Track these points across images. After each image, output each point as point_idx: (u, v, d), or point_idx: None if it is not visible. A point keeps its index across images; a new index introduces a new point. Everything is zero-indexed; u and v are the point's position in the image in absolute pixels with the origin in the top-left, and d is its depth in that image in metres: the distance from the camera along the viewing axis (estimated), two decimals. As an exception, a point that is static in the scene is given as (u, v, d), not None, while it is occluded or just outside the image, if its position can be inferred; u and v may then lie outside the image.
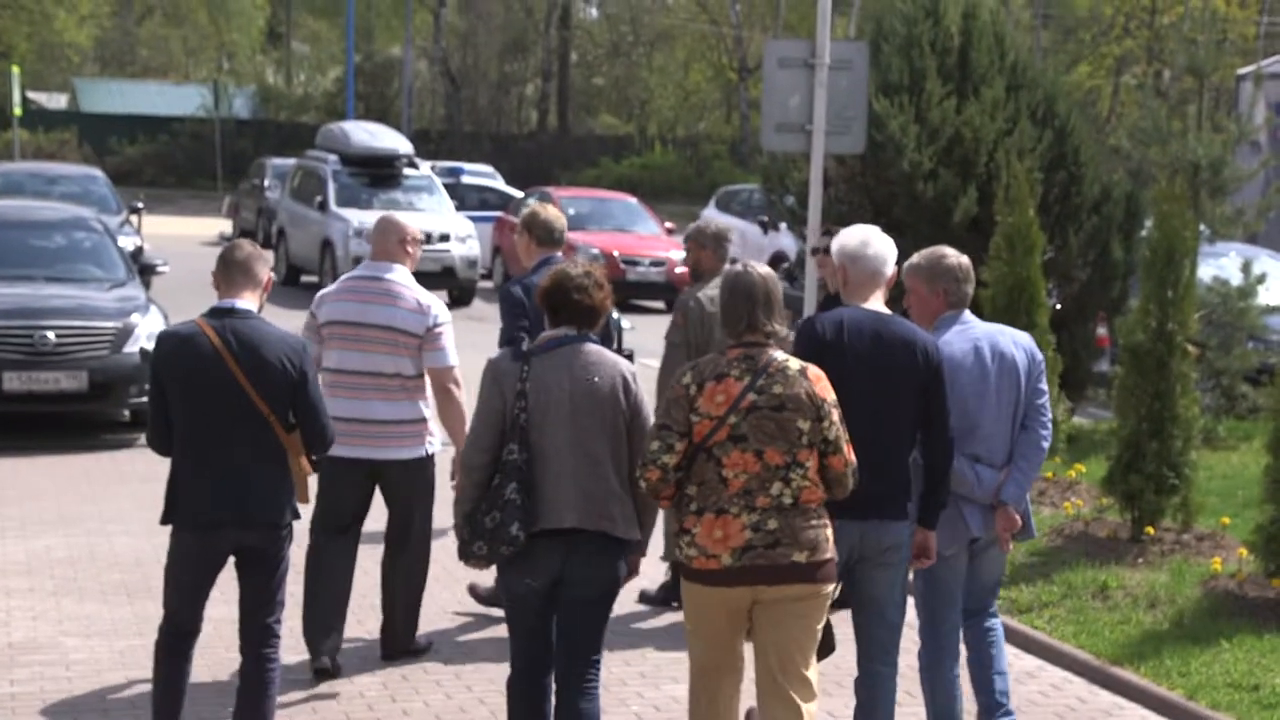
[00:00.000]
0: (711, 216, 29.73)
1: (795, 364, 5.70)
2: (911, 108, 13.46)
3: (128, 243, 18.49)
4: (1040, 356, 6.68)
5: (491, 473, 5.83)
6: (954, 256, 6.54)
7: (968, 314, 6.56)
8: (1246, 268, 14.25)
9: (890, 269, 6.30)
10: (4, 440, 12.84)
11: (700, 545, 5.61)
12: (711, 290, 8.00)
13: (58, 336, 12.92)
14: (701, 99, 62.83)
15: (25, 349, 12.84)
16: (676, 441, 5.60)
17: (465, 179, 31.95)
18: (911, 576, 6.47)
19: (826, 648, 5.98)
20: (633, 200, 28.61)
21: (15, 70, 40.17)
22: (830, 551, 5.69)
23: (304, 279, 26.27)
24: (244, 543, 6.21)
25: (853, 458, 5.72)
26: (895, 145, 13.28)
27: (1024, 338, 6.67)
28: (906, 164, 13.22)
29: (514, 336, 6.80)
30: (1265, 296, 14.27)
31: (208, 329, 6.11)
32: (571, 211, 26.30)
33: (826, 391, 5.69)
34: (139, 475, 11.79)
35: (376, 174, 25.95)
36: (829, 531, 5.70)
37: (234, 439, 6.10)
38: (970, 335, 6.47)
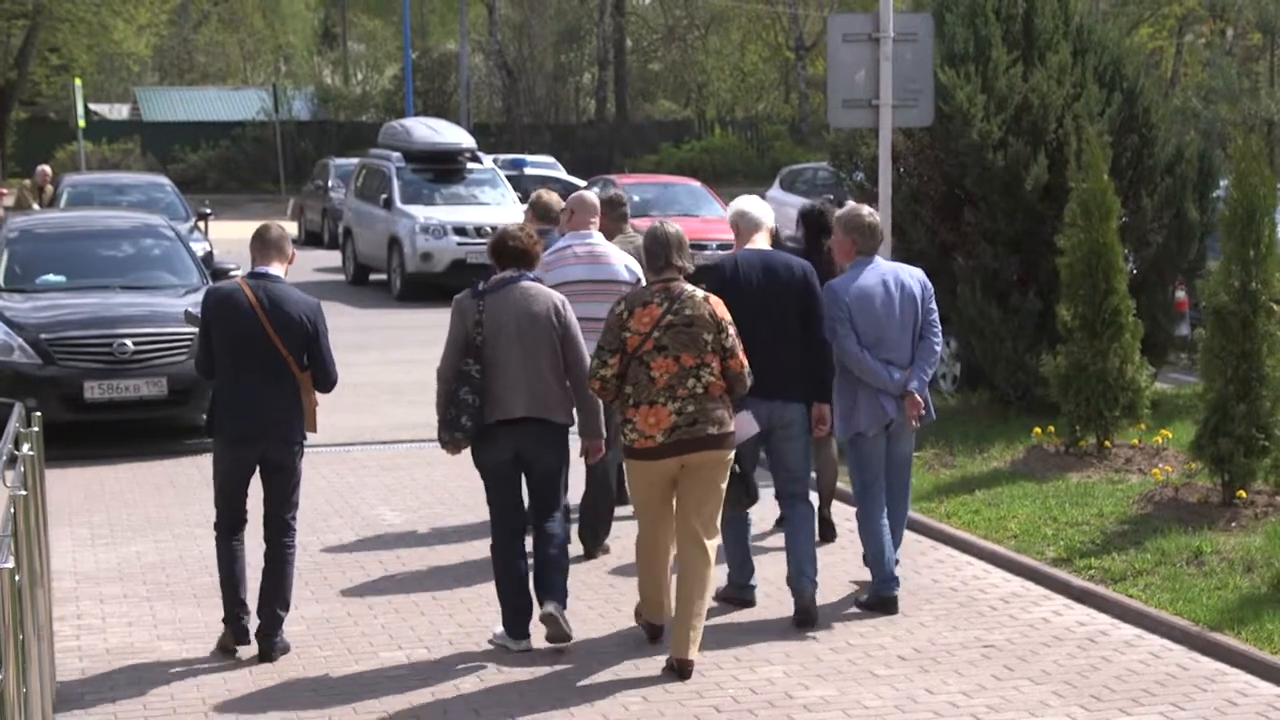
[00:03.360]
0: (776, 196, 29.63)
1: (700, 293, 7.65)
2: (978, 77, 13.32)
3: (197, 248, 18.59)
4: (930, 285, 8.69)
5: (459, 383, 7.65)
6: (868, 215, 8.65)
7: (877, 258, 8.62)
8: (1326, 224, 14.04)
9: (769, 223, 8.61)
10: (88, 449, 12.95)
11: (640, 429, 7.50)
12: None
13: (136, 344, 13.01)
14: (759, 79, 62.65)
15: (105, 358, 12.94)
16: (609, 358, 7.52)
17: (528, 170, 31.94)
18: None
19: (750, 498, 8.17)
20: (696, 184, 28.53)
21: (77, 83, 40.49)
22: (730, 426, 7.60)
23: (373, 278, 26.36)
24: (264, 454, 7.86)
25: (746, 363, 7.63)
26: (963, 116, 13.14)
27: (917, 272, 8.71)
28: (975, 134, 13.09)
29: (474, 282, 8.05)
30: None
31: (246, 287, 7.85)
32: (636, 198, 26.23)
33: (724, 312, 7.63)
34: (223, 478, 11.86)
35: (440, 169, 25.99)
36: (728, 412, 7.60)
37: (259, 373, 7.78)
38: (879, 272, 8.56)
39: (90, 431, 13.35)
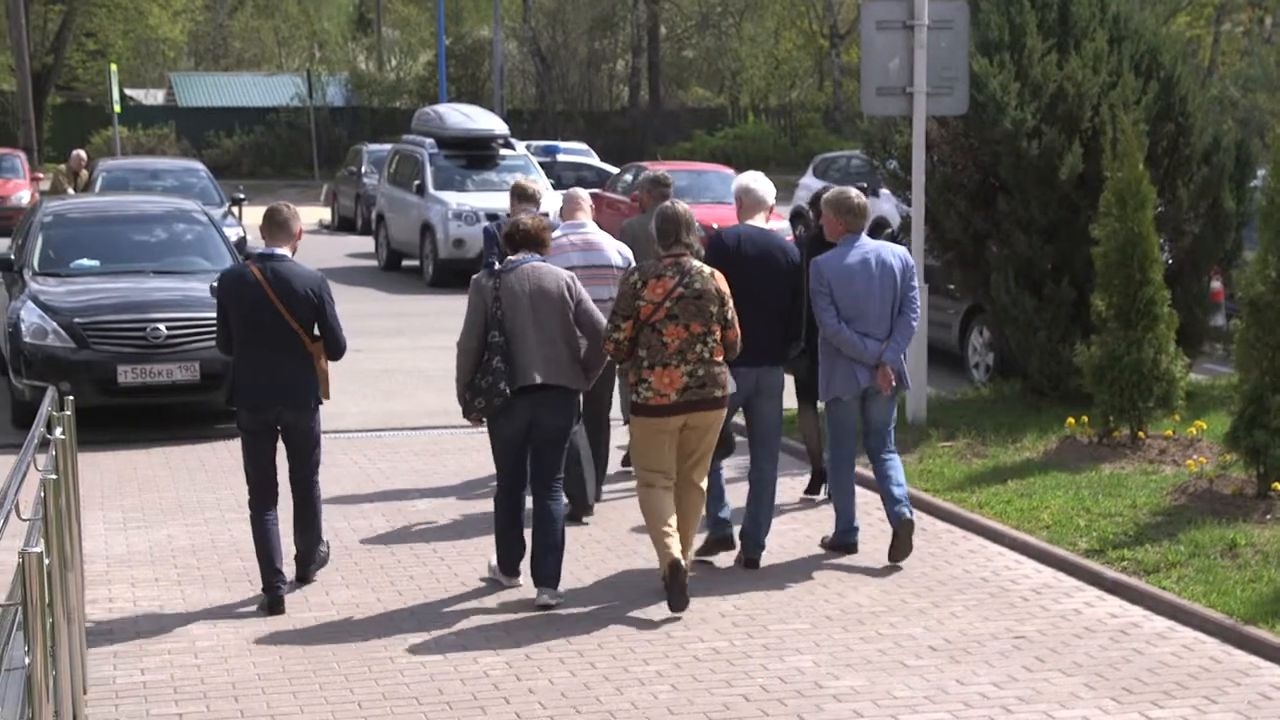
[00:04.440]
0: (809, 184, 29.55)
1: (706, 269, 8.43)
2: (1012, 65, 13.23)
3: (231, 234, 18.62)
4: (912, 263, 9.37)
5: (481, 353, 8.38)
6: (856, 197, 9.31)
7: (863, 236, 9.25)
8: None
9: (771, 200, 9.43)
10: (120, 433, 13.00)
11: (655, 388, 8.30)
12: (648, 220, 10.46)
13: (169, 329, 13.04)
14: (793, 67, 62.46)
15: (138, 342, 12.97)
16: (622, 323, 8.32)
17: (561, 157, 31.91)
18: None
19: (727, 449, 8.99)
20: (730, 172, 28.40)
21: (113, 68, 40.65)
22: (730, 389, 8.49)
23: (405, 264, 26.38)
24: (282, 419, 8.58)
25: (739, 334, 8.50)
26: (996, 104, 13.05)
27: (901, 250, 9.38)
28: (1009, 122, 13.00)
29: (488, 261, 9.08)
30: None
31: (255, 268, 8.55)
32: (669, 185, 26.18)
33: (725, 287, 8.44)
34: (254, 463, 11.89)
35: (473, 155, 25.97)
36: (729, 376, 8.46)
37: (272, 345, 8.48)
38: (863, 249, 9.21)
39: (123, 415, 13.39)
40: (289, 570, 8.76)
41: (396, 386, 15.25)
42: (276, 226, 8.69)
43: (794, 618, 8.29)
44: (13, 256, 14.60)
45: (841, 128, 53.28)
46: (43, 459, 6.43)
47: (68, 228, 14.85)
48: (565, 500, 9.40)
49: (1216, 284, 13.95)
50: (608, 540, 9.81)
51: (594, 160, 34.79)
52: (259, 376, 8.48)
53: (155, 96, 64.19)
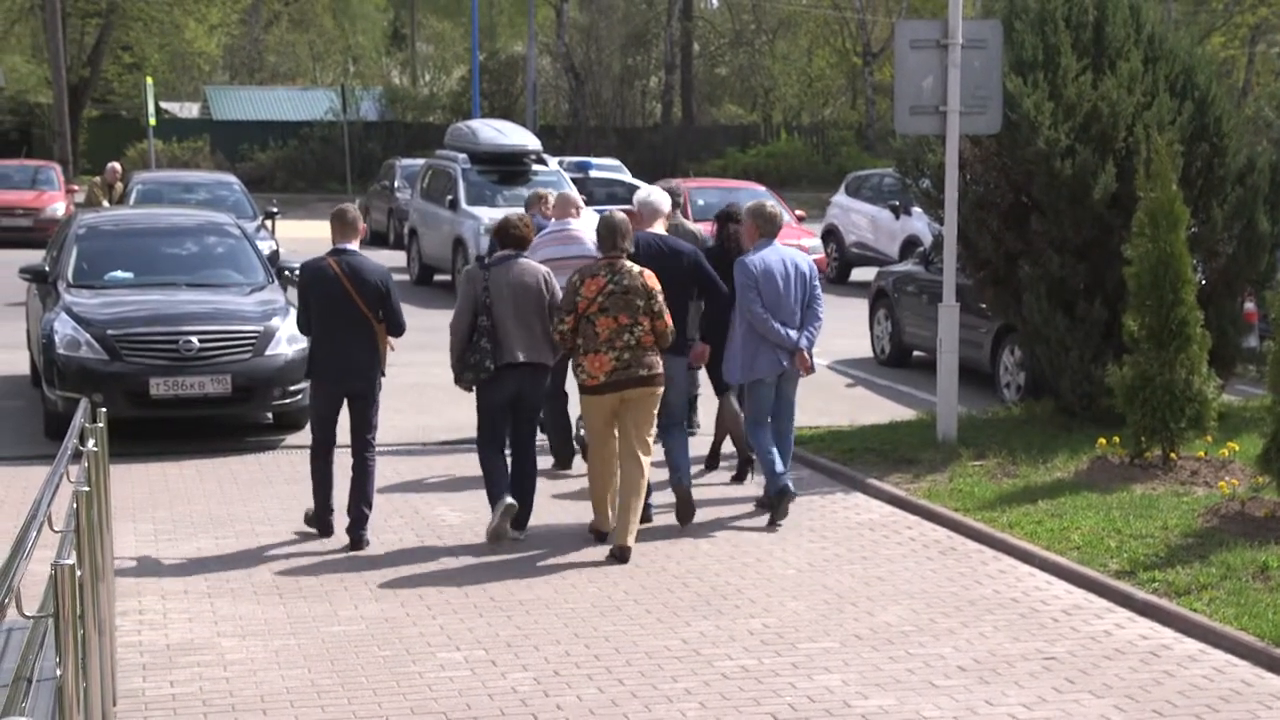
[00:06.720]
0: (842, 202, 29.50)
1: (636, 268, 9.86)
2: (1046, 84, 13.21)
3: (264, 247, 18.66)
4: (815, 267, 10.89)
5: (470, 334, 9.93)
6: (771, 207, 10.84)
7: (775, 241, 10.75)
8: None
9: (666, 209, 11.08)
10: (152, 445, 13.04)
11: (589, 371, 9.78)
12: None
13: (201, 341, 13.06)
14: (826, 85, 62.49)
15: (170, 355, 13.00)
16: (566, 316, 9.81)
17: (593, 173, 31.93)
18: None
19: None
20: (761, 189, 28.38)
21: (149, 81, 40.90)
22: (659, 369, 9.88)
23: (437, 278, 26.42)
24: (350, 389, 10.22)
25: (670, 324, 9.89)
26: (1030, 123, 13.04)
27: (804, 255, 10.97)
28: (1043, 142, 12.98)
29: (479, 257, 10.44)
30: None
31: (332, 261, 10.12)
32: (701, 202, 26.22)
33: (654, 283, 9.89)
34: (284, 477, 11.93)
35: (506, 171, 25.99)
36: (659, 358, 9.89)
37: (345, 327, 10.05)
38: (778, 253, 10.74)
39: (155, 428, 13.44)
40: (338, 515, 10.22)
41: (426, 401, 15.27)
42: (347, 224, 10.27)
43: (823, 636, 8.28)
44: (47, 268, 14.68)
45: (874, 146, 53.26)
46: (75, 471, 6.46)
47: (101, 240, 14.90)
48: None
49: (1250, 305, 13.89)
50: (636, 556, 9.81)
51: (626, 177, 34.81)
52: (335, 354, 10.08)
53: (190, 110, 64.50)
